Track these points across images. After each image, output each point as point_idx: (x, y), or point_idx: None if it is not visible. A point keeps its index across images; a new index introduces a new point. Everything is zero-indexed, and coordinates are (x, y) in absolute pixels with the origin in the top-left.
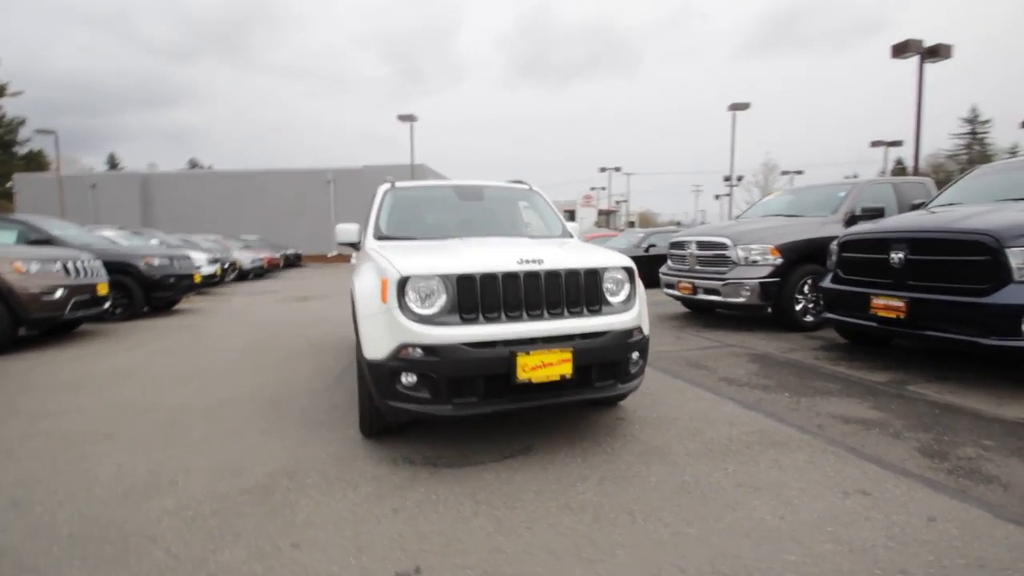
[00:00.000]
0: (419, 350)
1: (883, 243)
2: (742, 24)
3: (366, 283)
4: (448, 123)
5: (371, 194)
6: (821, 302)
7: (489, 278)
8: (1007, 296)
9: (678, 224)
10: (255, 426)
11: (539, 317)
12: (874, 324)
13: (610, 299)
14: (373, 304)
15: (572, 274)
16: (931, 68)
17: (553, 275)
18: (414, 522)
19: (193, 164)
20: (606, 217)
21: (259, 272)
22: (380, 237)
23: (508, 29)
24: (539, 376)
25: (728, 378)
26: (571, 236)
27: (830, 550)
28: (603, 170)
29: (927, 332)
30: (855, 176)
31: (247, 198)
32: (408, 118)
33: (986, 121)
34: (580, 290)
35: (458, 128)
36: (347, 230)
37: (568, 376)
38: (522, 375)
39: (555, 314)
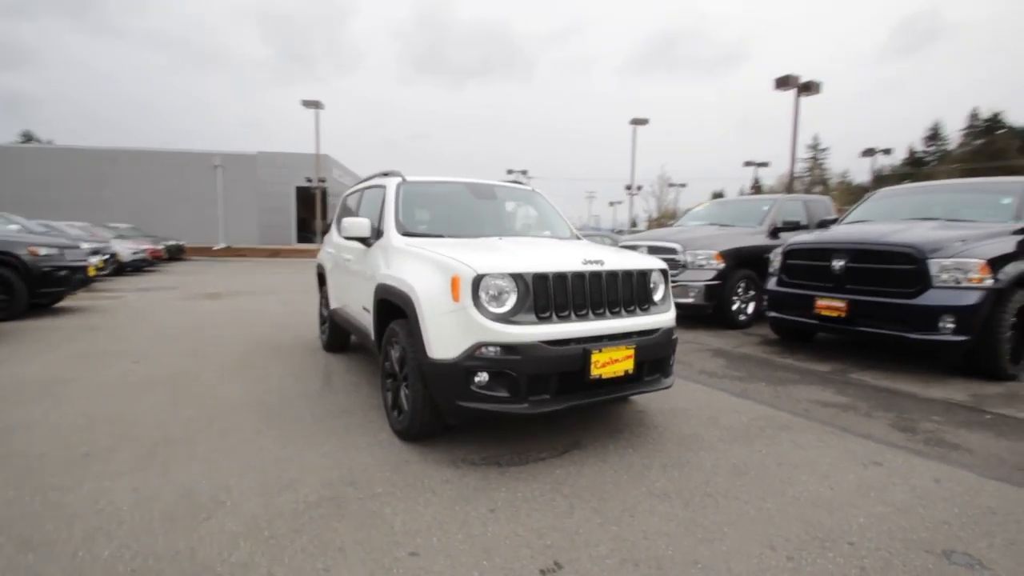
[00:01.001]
0: (496, 348)
1: (826, 252)
2: (625, 45)
3: (427, 282)
4: (339, 113)
5: (271, 183)
6: (765, 302)
7: (559, 277)
8: (929, 299)
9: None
10: (268, 437)
11: (603, 316)
12: (815, 322)
13: (655, 299)
14: (442, 303)
15: (627, 275)
16: (782, 97)
17: (613, 275)
18: (520, 520)
19: (28, 138)
20: None
21: (139, 266)
22: (407, 233)
23: (404, 20)
24: (608, 372)
25: (706, 371)
26: (580, 238)
27: (883, 511)
28: (511, 172)
29: (863, 328)
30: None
31: (110, 180)
32: (313, 104)
33: (825, 149)
34: (634, 290)
35: (350, 119)
36: (358, 224)
37: (630, 371)
38: (594, 371)
39: (616, 313)
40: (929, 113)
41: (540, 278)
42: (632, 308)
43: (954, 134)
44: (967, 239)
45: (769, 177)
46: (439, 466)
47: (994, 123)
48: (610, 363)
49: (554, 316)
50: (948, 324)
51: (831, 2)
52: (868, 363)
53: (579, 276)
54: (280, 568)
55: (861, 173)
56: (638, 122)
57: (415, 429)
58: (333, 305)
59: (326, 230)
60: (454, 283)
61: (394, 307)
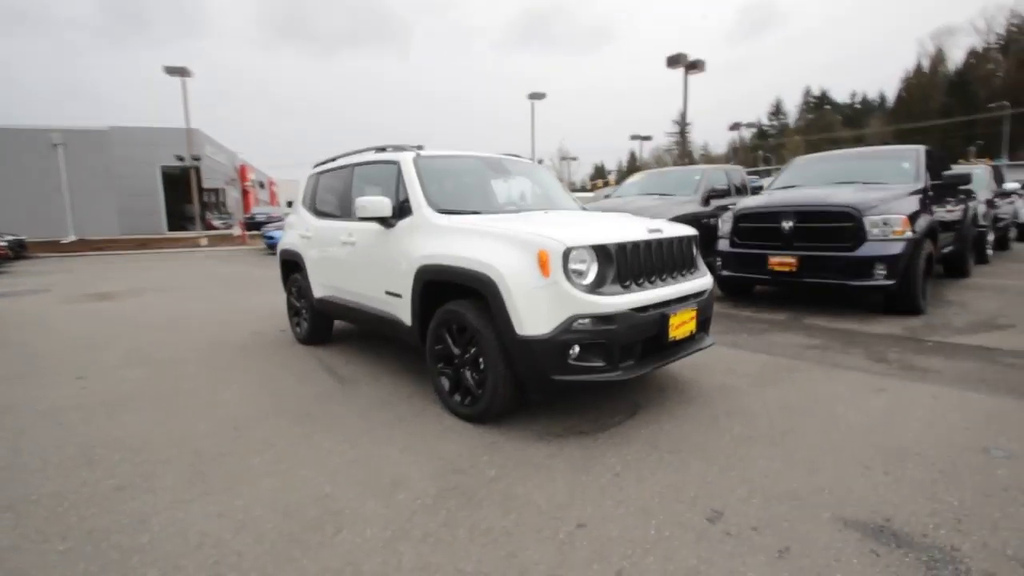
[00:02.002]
0: (588, 320)
1: (775, 215)
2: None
3: (508, 259)
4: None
5: (130, 163)
6: (719, 262)
7: (635, 247)
8: (865, 250)
9: None
10: (325, 439)
11: (669, 281)
12: (768, 277)
13: (696, 263)
14: (530, 279)
15: (679, 241)
16: (653, 73)
17: (670, 242)
18: (649, 480)
19: None
20: None
21: None
22: (444, 211)
23: None
24: (679, 334)
25: None
26: (585, 208)
27: (918, 427)
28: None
29: (812, 280)
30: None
31: None
32: (179, 72)
33: (688, 123)
34: (684, 255)
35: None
36: (376, 203)
37: (694, 332)
38: (672, 334)
39: (675, 277)
40: (771, 91)
41: (620, 248)
42: (684, 272)
43: (793, 110)
44: (887, 199)
45: (644, 151)
46: (531, 442)
47: (822, 100)
48: (681, 325)
49: (633, 284)
50: (880, 271)
51: None
52: (811, 309)
53: (647, 244)
54: (465, 562)
55: (719, 146)
56: (536, 96)
57: (495, 409)
58: (320, 293)
59: (203, 215)
60: (542, 258)
61: (450, 287)
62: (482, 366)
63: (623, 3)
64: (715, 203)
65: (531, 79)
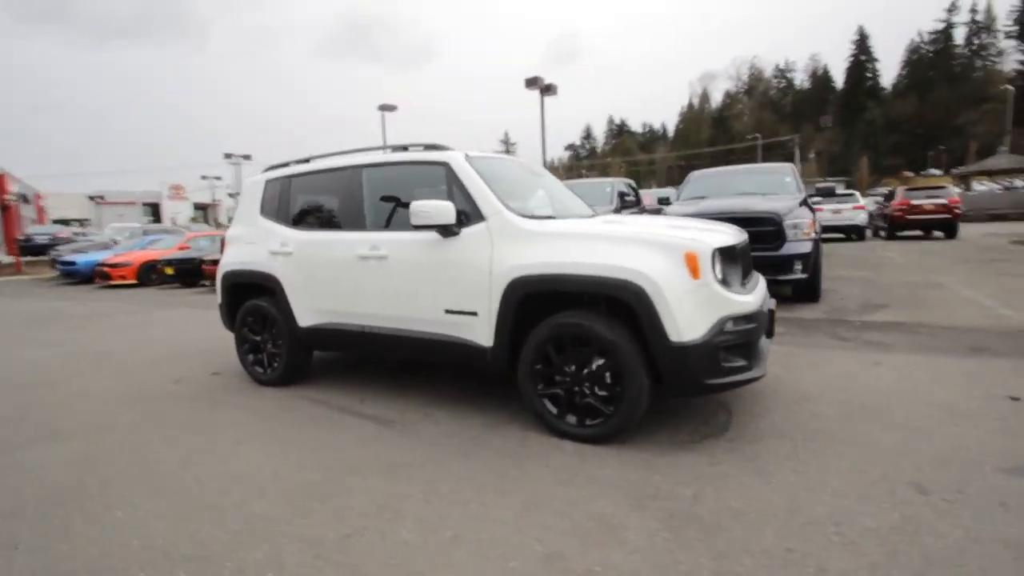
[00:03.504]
0: (734, 321)
1: (709, 220)
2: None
3: (653, 263)
4: None
5: None
6: None
7: (741, 248)
8: (787, 249)
9: None
10: (467, 493)
11: (750, 279)
12: None
13: None
14: (682, 283)
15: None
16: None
17: (744, 244)
18: (814, 474)
19: None
20: (203, 211)
21: None
22: (527, 216)
23: None
24: (773, 328)
25: None
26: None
27: (942, 392)
28: (229, 156)
29: None
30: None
31: None
32: None
33: (514, 143)
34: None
35: None
36: (440, 208)
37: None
38: (774, 328)
39: (752, 277)
40: (582, 116)
41: (731, 250)
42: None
43: (600, 135)
44: (792, 207)
45: None
46: (674, 454)
47: (622, 128)
48: (775, 319)
49: (738, 285)
50: (798, 266)
51: (501, 13)
52: None
53: (743, 246)
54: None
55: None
56: (386, 108)
57: (631, 425)
58: (310, 321)
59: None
60: (690, 260)
61: (558, 299)
62: (608, 380)
63: (443, 24)
64: (626, 212)
65: (343, 91)
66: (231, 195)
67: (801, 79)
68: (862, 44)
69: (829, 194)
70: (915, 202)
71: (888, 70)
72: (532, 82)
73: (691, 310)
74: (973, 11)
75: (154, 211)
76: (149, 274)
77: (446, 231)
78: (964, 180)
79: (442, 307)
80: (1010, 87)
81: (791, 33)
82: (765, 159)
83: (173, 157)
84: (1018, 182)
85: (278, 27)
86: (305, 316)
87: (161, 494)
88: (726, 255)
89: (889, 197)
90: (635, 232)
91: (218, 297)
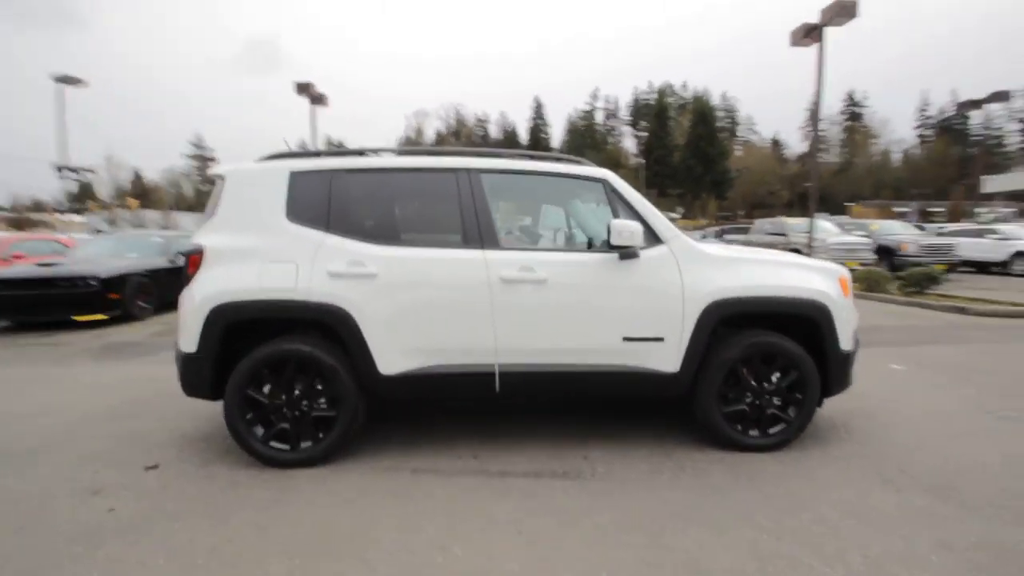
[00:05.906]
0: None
1: None
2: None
3: (826, 285)
4: None
5: None
6: None
7: None
8: None
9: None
10: (748, 532)
11: None
12: None
13: None
14: (843, 301)
15: None
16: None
17: None
18: (805, 494)
19: None
20: None
21: None
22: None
23: None
24: None
25: None
26: None
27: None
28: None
29: None
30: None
31: None
32: None
33: (213, 150)
34: None
35: None
36: (633, 229)
37: None
38: None
39: None
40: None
41: None
42: None
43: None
44: None
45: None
46: (763, 473)
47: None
48: None
49: None
50: None
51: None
52: None
53: None
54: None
55: None
56: (68, 80)
57: (803, 430)
58: (403, 367)
59: None
60: (843, 282)
61: (746, 321)
62: (788, 390)
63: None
64: None
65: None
66: None
67: (495, 131)
68: (539, 111)
69: None
70: None
71: (558, 135)
72: (303, 87)
73: (847, 323)
74: (607, 99)
75: None
76: None
77: (627, 253)
78: None
79: (620, 335)
80: (642, 160)
81: (486, 88)
82: None
83: None
84: None
85: None
86: (393, 360)
87: None
88: None
89: None
90: (798, 259)
91: (186, 344)
